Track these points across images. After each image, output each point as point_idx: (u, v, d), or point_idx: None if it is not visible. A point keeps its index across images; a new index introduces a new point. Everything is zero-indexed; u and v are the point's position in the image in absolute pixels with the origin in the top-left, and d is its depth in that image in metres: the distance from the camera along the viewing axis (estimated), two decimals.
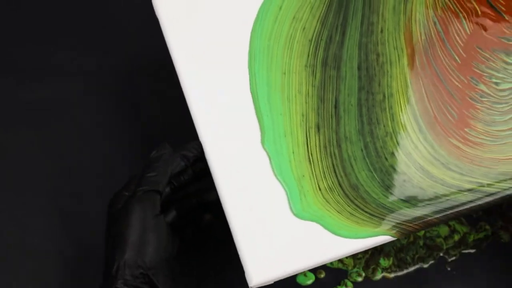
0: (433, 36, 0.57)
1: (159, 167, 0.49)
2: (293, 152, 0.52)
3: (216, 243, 0.58)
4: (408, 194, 0.52)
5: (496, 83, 0.56)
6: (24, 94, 0.64)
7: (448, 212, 0.50)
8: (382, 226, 0.50)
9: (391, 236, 0.50)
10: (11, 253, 0.59)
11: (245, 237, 0.49)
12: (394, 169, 0.51)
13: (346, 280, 0.60)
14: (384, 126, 0.53)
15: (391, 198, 0.52)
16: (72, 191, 0.61)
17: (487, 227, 0.62)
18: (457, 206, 0.51)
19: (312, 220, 0.50)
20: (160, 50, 0.61)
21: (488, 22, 0.58)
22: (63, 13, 0.67)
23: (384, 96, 0.54)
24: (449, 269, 0.60)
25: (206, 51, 0.54)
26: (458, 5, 0.58)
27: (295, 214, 0.50)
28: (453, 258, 0.61)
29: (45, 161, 0.62)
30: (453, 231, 0.61)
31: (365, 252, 0.62)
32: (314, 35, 0.55)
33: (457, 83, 0.55)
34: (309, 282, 0.60)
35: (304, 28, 0.55)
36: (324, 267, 0.60)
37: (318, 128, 0.53)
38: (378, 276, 0.60)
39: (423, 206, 0.51)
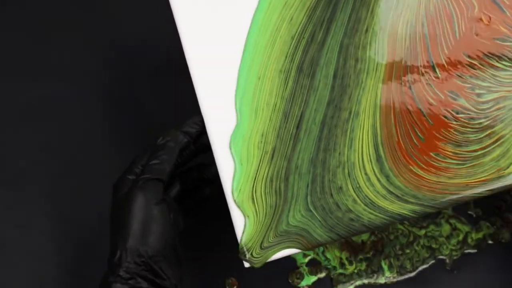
0: (417, 41, 0.53)
1: (163, 155, 0.50)
2: (242, 181, 0.51)
3: (213, 220, 0.60)
4: (356, 231, 0.52)
5: (479, 95, 0.54)
6: (24, 94, 0.65)
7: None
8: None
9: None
10: (11, 253, 0.60)
11: None
12: (339, 207, 0.51)
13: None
14: (339, 154, 0.51)
15: (334, 237, 0.51)
16: (72, 191, 0.62)
17: (487, 227, 0.63)
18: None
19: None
20: (160, 50, 0.65)
21: (482, 23, 0.54)
22: (63, 13, 0.68)
23: (350, 114, 0.51)
24: (449, 269, 0.62)
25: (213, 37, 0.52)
26: (453, 2, 0.54)
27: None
28: (454, 258, 0.62)
29: (45, 161, 0.63)
30: (455, 229, 0.62)
31: (365, 253, 0.63)
32: (298, 30, 0.51)
33: (432, 101, 0.53)
34: (307, 259, 0.62)
35: (291, 19, 0.51)
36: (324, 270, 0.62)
37: (273, 153, 0.51)
38: (380, 279, 0.61)
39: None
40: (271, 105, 0.51)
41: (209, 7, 0.52)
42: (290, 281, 0.61)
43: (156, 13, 0.63)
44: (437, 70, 0.53)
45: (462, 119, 0.53)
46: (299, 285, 0.61)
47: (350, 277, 0.62)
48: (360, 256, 0.62)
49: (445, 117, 0.53)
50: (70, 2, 0.68)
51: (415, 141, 0.52)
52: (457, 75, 0.54)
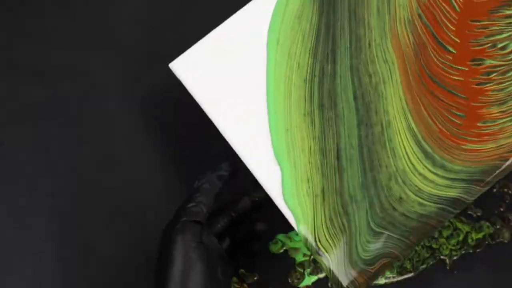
0: (421, 33, 0.55)
1: (198, 197, 0.51)
2: (305, 237, 0.52)
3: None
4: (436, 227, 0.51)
5: (503, 48, 0.54)
6: (24, 94, 0.64)
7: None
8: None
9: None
10: (11, 253, 0.59)
11: None
12: (408, 216, 0.50)
13: None
14: (386, 167, 0.51)
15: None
16: (72, 191, 0.61)
17: (487, 226, 0.61)
18: None
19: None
20: (160, 50, 0.63)
21: None
22: (63, 13, 0.67)
23: (382, 126, 0.53)
24: (449, 269, 0.60)
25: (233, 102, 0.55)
26: None
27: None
28: (454, 258, 0.60)
29: (45, 161, 0.62)
30: (455, 229, 0.61)
31: None
32: (308, 72, 0.54)
33: (457, 78, 0.54)
34: (306, 259, 0.61)
35: (298, 65, 0.55)
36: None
37: (323, 193, 0.52)
38: (380, 280, 0.60)
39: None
40: (306, 150, 0.52)
41: (221, 76, 0.54)
42: (290, 281, 0.59)
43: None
44: (450, 48, 0.55)
45: (496, 78, 0.53)
46: (299, 285, 0.59)
47: None
48: None
49: (478, 84, 0.54)
50: (71, 2, 0.68)
51: (457, 121, 0.53)
52: (472, 42, 0.55)
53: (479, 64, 0.54)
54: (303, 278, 0.59)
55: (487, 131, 0.52)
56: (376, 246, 0.49)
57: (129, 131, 0.63)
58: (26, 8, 0.67)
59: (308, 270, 0.59)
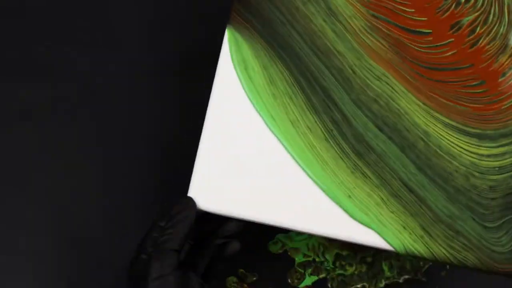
0: (388, 32, 0.51)
1: (177, 225, 0.48)
2: None
3: None
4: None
5: (466, 0, 0.52)
6: (24, 94, 0.64)
7: None
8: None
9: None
10: (11, 253, 0.59)
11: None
12: (508, 194, 0.48)
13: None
14: (456, 171, 0.48)
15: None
16: (72, 191, 0.61)
17: None
18: None
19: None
20: (160, 50, 0.64)
21: None
22: (63, 14, 0.67)
23: (422, 140, 0.49)
24: (449, 269, 0.60)
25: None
26: None
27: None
28: None
29: (45, 161, 0.62)
30: None
31: (366, 252, 0.60)
32: (322, 130, 0.49)
33: (450, 53, 0.51)
34: (307, 259, 0.60)
35: (310, 129, 0.49)
36: (324, 271, 0.59)
37: (426, 230, 0.48)
38: (380, 283, 0.59)
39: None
40: (380, 201, 0.48)
41: (244, 181, 0.49)
42: (290, 281, 0.59)
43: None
44: (423, 30, 0.52)
45: (482, 30, 0.51)
46: (299, 286, 0.59)
47: (350, 279, 0.59)
48: (361, 255, 0.60)
49: (472, 46, 0.51)
50: (72, 3, 0.68)
51: (480, 90, 0.50)
52: (438, 12, 0.52)
53: (459, 28, 0.51)
54: (304, 278, 0.58)
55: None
56: (508, 234, 0.47)
57: (129, 132, 0.63)
58: (26, 8, 0.67)
59: (309, 270, 0.58)
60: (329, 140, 0.49)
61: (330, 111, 0.49)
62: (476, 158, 0.49)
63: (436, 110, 0.49)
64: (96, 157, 0.62)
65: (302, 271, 0.59)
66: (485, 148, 0.49)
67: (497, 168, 0.48)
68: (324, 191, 0.48)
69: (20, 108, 0.64)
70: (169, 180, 0.60)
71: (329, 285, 0.58)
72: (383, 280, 0.58)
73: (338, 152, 0.49)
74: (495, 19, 0.51)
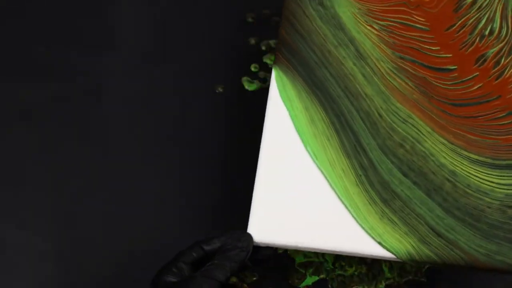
0: (415, 72, 0.53)
1: (233, 262, 0.47)
2: None
3: None
4: None
5: (491, 32, 0.53)
6: (24, 94, 0.64)
7: None
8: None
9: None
10: (11, 253, 0.59)
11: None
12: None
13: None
14: (489, 207, 0.48)
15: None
16: (72, 191, 0.61)
17: None
18: None
19: None
20: (159, 51, 0.64)
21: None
22: (63, 14, 0.68)
23: (449, 181, 0.49)
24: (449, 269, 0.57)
25: None
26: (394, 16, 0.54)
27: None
28: None
29: (45, 161, 0.62)
30: None
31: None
32: (353, 174, 0.50)
33: (476, 87, 0.52)
34: (307, 260, 0.59)
35: (344, 172, 0.50)
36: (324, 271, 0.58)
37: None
38: (381, 285, 0.57)
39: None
40: (409, 247, 0.48)
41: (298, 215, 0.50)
42: (290, 281, 0.58)
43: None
44: (449, 67, 0.53)
45: (506, 61, 0.52)
46: (299, 286, 0.58)
47: (350, 279, 0.57)
48: (357, 258, 0.58)
49: (498, 78, 0.52)
50: (72, 3, 0.69)
51: (509, 120, 0.51)
52: (463, 47, 0.53)
53: (484, 61, 0.52)
54: (305, 278, 0.57)
55: None
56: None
57: (129, 132, 0.63)
58: (26, 8, 0.68)
59: (310, 270, 0.57)
60: (359, 185, 0.50)
61: (359, 156, 0.50)
62: (509, 190, 0.48)
63: (463, 147, 0.50)
64: (96, 157, 0.62)
65: (304, 271, 0.58)
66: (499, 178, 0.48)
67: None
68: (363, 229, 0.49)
69: (20, 108, 0.64)
70: (169, 180, 0.61)
71: (329, 285, 0.58)
72: (383, 281, 0.58)
73: (367, 198, 0.49)
74: None
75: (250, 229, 0.49)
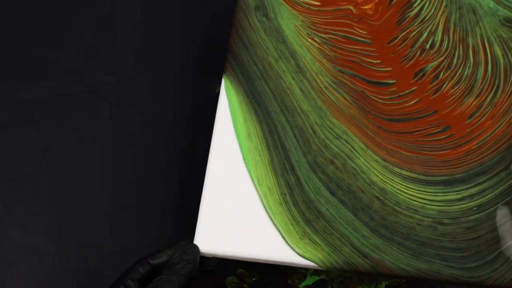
0: (353, 86, 0.51)
1: (180, 276, 0.47)
2: None
3: None
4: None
5: (432, 45, 0.52)
6: (25, 94, 0.65)
7: None
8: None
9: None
10: (11, 253, 0.59)
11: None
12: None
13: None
14: (418, 224, 0.47)
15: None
16: (72, 191, 0.61)
17: None
18: None
19: None
20: (160, 50, 0.65)
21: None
22: (63, 14, 0.69)
23: (378, 199, 0.48)
24: None
25: None
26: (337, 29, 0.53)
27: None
28: None
29: (45, 161, 0.62)
30: None
31: None
32: (278, 192, 0.49)
33: (414, 102, 0.50)
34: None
35: (269, 189, 0.49)
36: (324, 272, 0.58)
37: None
38: (381, 285, 0.56)
39: None
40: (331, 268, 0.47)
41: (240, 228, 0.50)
42: (290, 281, 0.57)
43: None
44: (388, 81, 0.52)
45: (445, 75, 0.50)
46: (299, 286, 0.57)
47: (350, 279, 0.56)
48: None
49: (436, 92, 0.50)
50: (72, 3, 0.69)
51: (446, 135, 0.49)
52: (403, 61, 0.51)
53: (423, 75, 0.51)
54: (304, 278, 0.57)
55: (481, 119, 0.49)
56: (507, 263, 0.45)
57: (128, 132, 0.63)
58: (26, 8, 0.69)
59: (310, 270, 0.57)
60: (282, 204, 0.49)
61: (287, 174, 0.49)
62: (445, 205, 0.47)
63: (396, 164, 0.48)
64: (96, 157, 0.63)
65: (304, 271, 0.58)
66: (455, 193, 0.47)
67: (474, 208, 0.47)
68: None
69: (20, 108, 0.65)
70: (167, 182, 0.61)
71: (329, 285, 0.58)
72: (383, 282, 0.57)
73: (289, 218, 0.48)
74: (459, 62, 0.50)
75: (197, 241, 0.49)
